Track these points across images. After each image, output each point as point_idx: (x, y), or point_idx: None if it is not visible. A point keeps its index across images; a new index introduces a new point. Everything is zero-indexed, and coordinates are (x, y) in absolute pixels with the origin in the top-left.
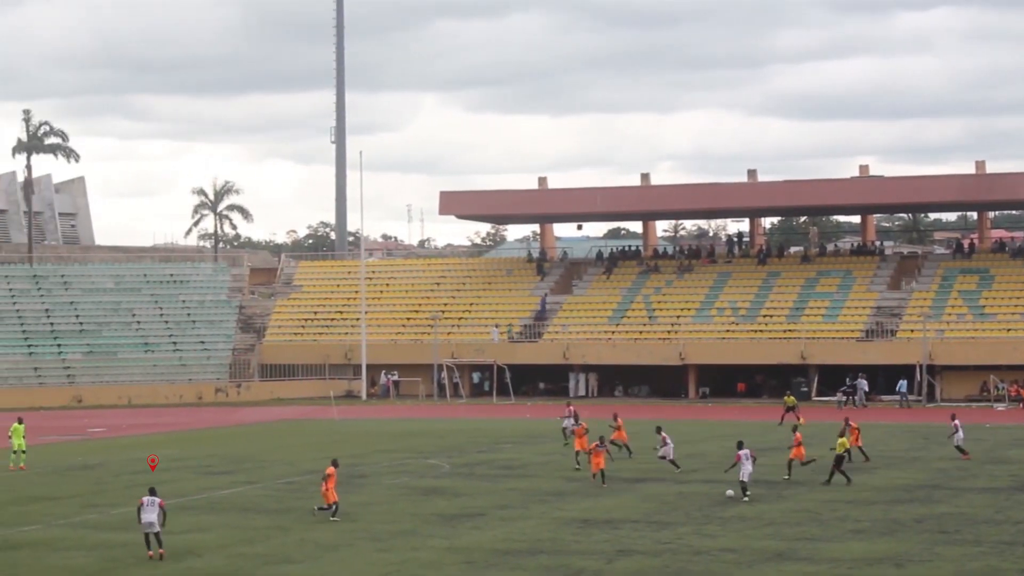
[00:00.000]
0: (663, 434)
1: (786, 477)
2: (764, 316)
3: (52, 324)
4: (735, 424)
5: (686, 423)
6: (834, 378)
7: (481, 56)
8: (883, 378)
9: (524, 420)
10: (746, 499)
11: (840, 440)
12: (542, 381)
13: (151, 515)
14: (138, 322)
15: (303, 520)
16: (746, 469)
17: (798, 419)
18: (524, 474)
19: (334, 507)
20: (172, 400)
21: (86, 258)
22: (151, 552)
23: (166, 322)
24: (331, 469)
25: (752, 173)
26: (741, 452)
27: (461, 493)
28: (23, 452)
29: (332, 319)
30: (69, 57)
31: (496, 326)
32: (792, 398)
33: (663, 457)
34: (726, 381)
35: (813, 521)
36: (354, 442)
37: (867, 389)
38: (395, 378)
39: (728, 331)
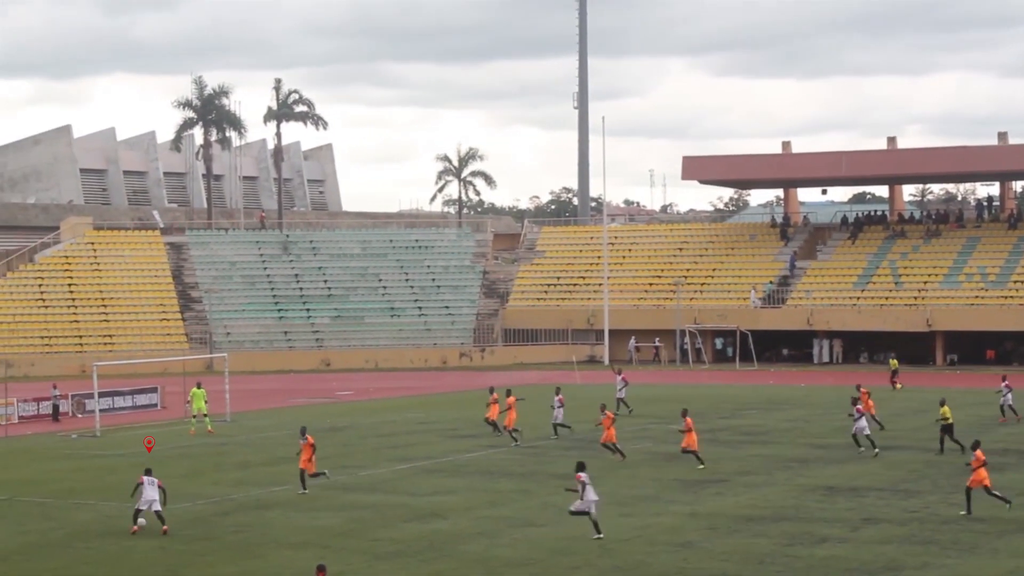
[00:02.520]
0: (560, 395)
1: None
2: (1015, 282)
3: (301, 289)
4: (982, 392)
5: (933, 391)
6: None
7: (727, 20)
8: None
9: (767, 386)
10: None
11: (942, 409)
12: (786, 347)
13: (153, 493)
14: (384, 287)
15: (546, 484)
16: (860, 425)
17: (895, 385)
18: (767, 440)
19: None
20: (417, 364)
21: (334, 224)
22: (136, 527)
23: (411, 287)
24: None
25: (1003, 136)
26: (858, 406)
27: (704, 459)
28: (206, 416)
29: (575, 284)
30: (322, 26)
31: (753, 288)
32: (895, 361)
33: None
34: (975, 348)
35: None
36: (597, 407)
37: None
38: (657, 343)
39: (977, 297)
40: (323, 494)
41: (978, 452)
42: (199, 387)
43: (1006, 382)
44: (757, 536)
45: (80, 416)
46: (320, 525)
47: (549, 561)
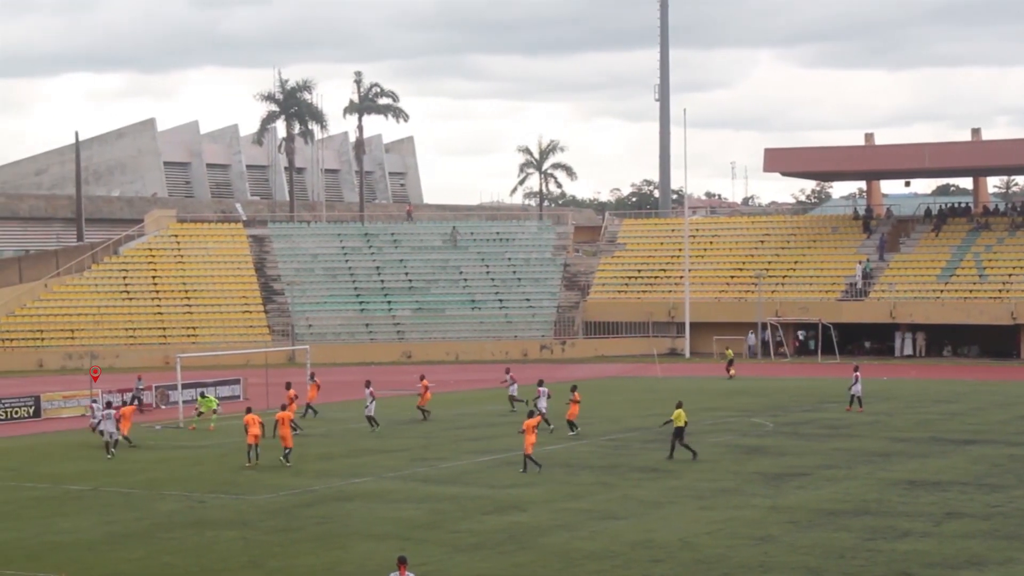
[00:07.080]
0: (542, 387)
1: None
2: None
3: (383, 281)
4: None
5: (1017, 384)
6: None
7: (818, 11)
8: None
9: (850, 379)
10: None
11: (677, 412)
12: (868, 340)
13: (110, 425)
14: (465, 280)
15: (627, 477)
16: (541, 404)
17: (731, 374)
18: (850, 434)
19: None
20: (498, 356)
21: (415, 216)
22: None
23: (492, 280)
24: (282, 414)
25: None
26: (541, 389)
27: (785, 452)
28: (214, 412)
29: (655, 277)
30: (409, 20)
31: (859, 263)
32: (731, 351)
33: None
34: None
35: None
36: (678, 400)
37: None
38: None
39: None
40: (404, 486)
41: None
42: (204, 396)
43: (857, 372)
44: (839, 530)
45: (164, 407)
46: (401, 517)
47: (630, 554)
